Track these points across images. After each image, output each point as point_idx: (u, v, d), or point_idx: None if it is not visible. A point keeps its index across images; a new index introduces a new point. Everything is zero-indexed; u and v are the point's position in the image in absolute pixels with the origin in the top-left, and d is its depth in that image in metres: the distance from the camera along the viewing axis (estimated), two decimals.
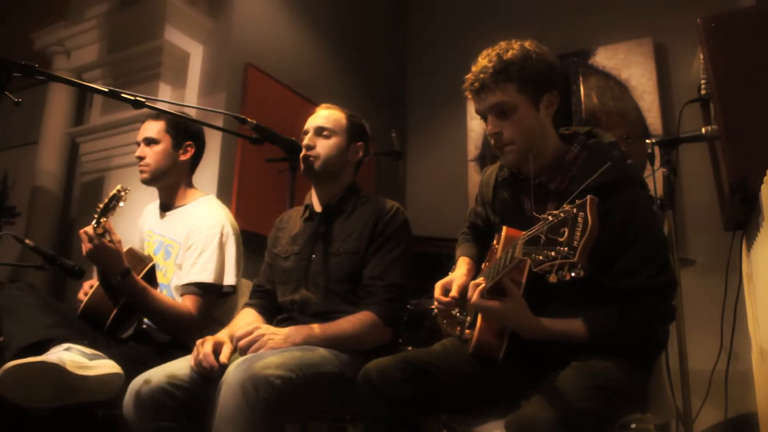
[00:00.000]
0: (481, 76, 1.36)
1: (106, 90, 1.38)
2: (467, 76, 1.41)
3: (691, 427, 1.72)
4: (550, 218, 1.01)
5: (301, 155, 1.73)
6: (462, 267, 1.57)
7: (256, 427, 1.25)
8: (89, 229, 1.71)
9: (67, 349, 1.56)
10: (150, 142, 2.02)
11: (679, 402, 1.72)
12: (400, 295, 1.65)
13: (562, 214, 0.99)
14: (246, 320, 1.73)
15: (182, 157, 2.05)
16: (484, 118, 1.42)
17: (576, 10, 3.84)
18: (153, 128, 2.03)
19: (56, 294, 2.94)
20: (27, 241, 2.00)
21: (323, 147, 1.74)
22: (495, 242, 1.51)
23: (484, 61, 1.38)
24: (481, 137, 4.07)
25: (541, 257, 0.98)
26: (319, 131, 1.75)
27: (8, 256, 3.11)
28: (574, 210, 0.97)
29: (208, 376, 1.44)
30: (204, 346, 1.49)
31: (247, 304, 1.83)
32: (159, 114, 2.04)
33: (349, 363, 1.52)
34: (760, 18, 1.50)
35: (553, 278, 0.95)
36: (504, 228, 1.41)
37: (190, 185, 2.11)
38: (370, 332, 1.58)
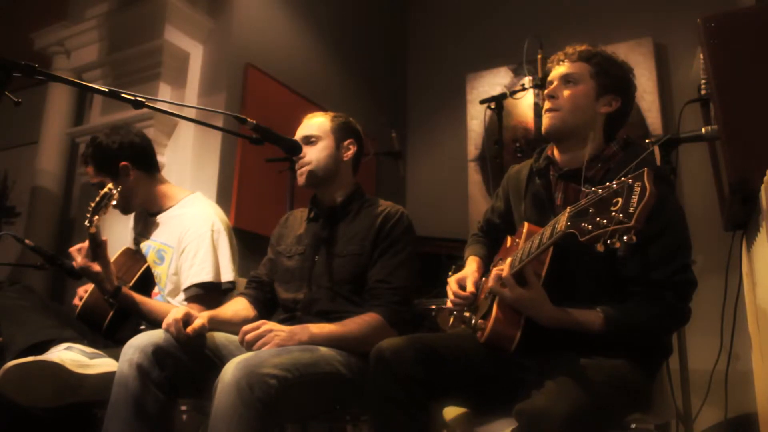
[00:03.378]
0: (570, 50, 1.47)
1: (106, 90, 1.37)
2: None
3: (691, 427, 1.72)
4: (600, 191, 1.02)
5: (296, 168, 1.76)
6: (472, 264, 1.59)
7: (251, 425, 1.25)
8: (76, 247, 1.72)
9: (67, 348, 1.56)
10: (99, 184, 1.91)
11: (679, 402, 1.72)
12: (405, 298, 1.66)
13: (615, 185, 1.00)
14: (234, 308, 1.75)
15: (140, 178, 1.99)
16: (549, 84, 1.49)
17: (576, 10, 3.84)
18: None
19: (56, 294, 2.94)
20: (27, 241, 2.00)
21: (311, 154, 1.77)
22: (515, 237, 1.52)
23: (579, 45, 1.48)
24: (480, 137, 4.04)
25: (590, 226, 0.98)
26: (306, 140, 1.78)
27: (8, 256, 3.11)
28: (630, 180, 0.98)
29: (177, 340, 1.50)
30: (175, 312, 1.52)
31: (240, 294, 1.85)
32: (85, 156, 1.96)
33: (350, 364, 1.53)
34: (760, 18, 1.49)
35: (600, 247, 0.96)
36: (525, 224, 1.45)
37: (163, 183, 2.06)
38: (376, 333, 1.57)
